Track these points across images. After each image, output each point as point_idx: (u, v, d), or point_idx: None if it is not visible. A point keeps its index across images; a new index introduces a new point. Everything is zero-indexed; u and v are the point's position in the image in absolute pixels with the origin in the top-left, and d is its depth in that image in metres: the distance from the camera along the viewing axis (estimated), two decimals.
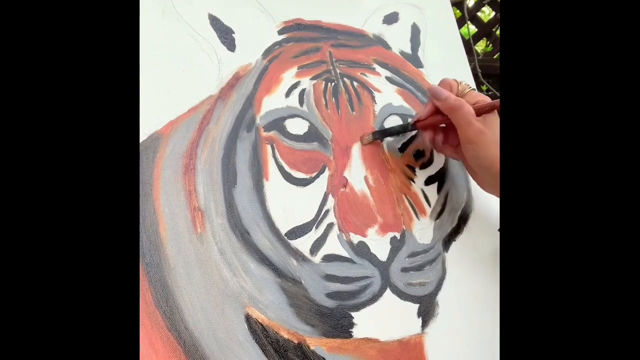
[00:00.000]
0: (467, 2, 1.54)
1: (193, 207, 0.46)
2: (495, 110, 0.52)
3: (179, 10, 0.53)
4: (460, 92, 0.54)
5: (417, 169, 0.58)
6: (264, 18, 0.58)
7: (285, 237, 0.49)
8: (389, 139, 0.58)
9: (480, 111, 0.52)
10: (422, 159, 0.59)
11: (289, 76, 0.56)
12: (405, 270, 0.52)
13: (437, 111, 0.54)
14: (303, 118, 0.54)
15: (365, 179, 0.54)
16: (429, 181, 0.59)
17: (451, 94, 0.52)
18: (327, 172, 0.53)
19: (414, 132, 0.59)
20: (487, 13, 1.94)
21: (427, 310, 0.52)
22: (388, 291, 0.51)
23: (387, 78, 0.62)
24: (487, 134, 0.51)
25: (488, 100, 0.53)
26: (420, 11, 0.70)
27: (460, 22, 1.48)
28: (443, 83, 0.55)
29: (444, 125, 0.57)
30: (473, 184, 0.63)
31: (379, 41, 0.64)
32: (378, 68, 0.62)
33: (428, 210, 0.57)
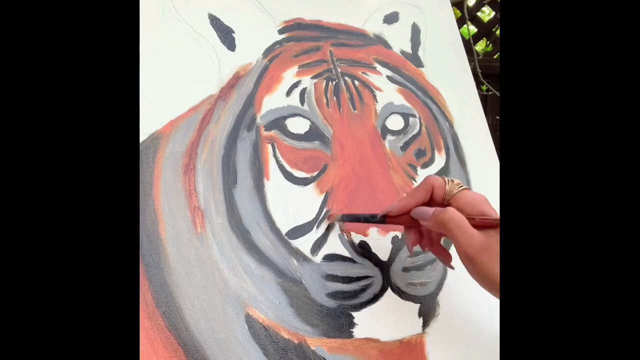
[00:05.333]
0: (467, 2, 1.54)
1: (193, 207, 0.46)
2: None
3: (179, 10, 0.53)
4: (448, 192, 0.45)
5: (418, 168, 0.58)
6: (264, 17, 0.58)
7: (286, 237, 0.49)
8: (390, 137, 0.58)
9: (478, 225, 0.41)
10: (423, 158, 0.59)
11: (289, 75, 0.56)
12: (406, 270, 0.52)
13: (410, 209, 0.45)
14: (304, 117, 0.54)
15: (367, 178, 0.54)
16: None
17: (436, 210, 0.43)
18: (328, 171, 0.53)
19: (417, 130, 0.59)
20: (487, 13, 1.94)
21: (427, 310, 0.52)
22: (389, 291, 0.50)
23: (388, 77, 0.62)
24: (491, 248, 0.40)
25: (483, 200, 0.43)
26: (420, 11, 0.70)
27: (460, 22, 1.48)
28: (427, 180, 0.46)
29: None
30: (474, 184, 0.63)
31: (380, 40, 0.64)
32: (379, 67, 0.62)
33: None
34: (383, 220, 0.47)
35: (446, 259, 0.47)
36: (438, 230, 0.44)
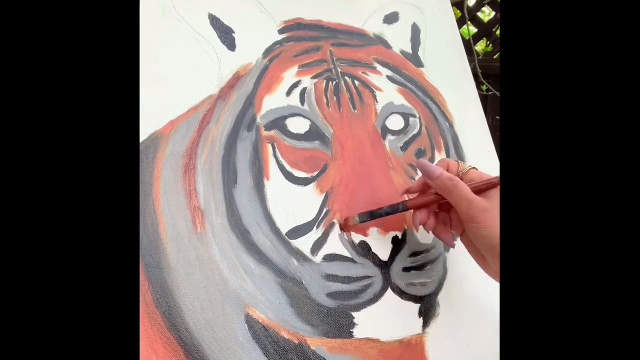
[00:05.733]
0: (467, 2, 1.54)
1: (193, 206, 0.46)
2: (496, 187, 0.47)
3: (179, 10, 0.53)
4: (460, 171, 0.49)
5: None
6: (264, 17, 0.58)
7: (286, 237, 0.49)
8: (390, 136, 0.58)
9: (478, 190, 0.47)
10: (423, 157, 0.59)
11: (289, 75, 0.56)
12: (406, 269, 0.52)
13: (429, 187, 0.50)
14: (304, 117, 0.54)
15: (367, 178, 0.54)
16: None
17: (444, 172, 0.48)
18: (328, 171, 0.53)
19: (417, 130, 0.59)
20: (487, 13, 1.94)
21: (428, 310, 0.52)
22: (389, 291, 0.50)
23: (388, 77, 0.62)
24: (491, 211, 0.45)
25: (489, 175, 0.48)
26: (420, 11, 0.70)
27: (460, 22, 1.48)
28: (441, 162, 0.51)
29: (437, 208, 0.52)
30: None
31: (380, 40, 0.64)
32: (379, 67, 0.62)
33: None
34: (406, 207, 0.50)
35: (448, 239, 0.51)
36: (442, 193, 0.48)
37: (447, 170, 0.49)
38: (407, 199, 0.52)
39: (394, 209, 0.50)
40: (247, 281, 0.46)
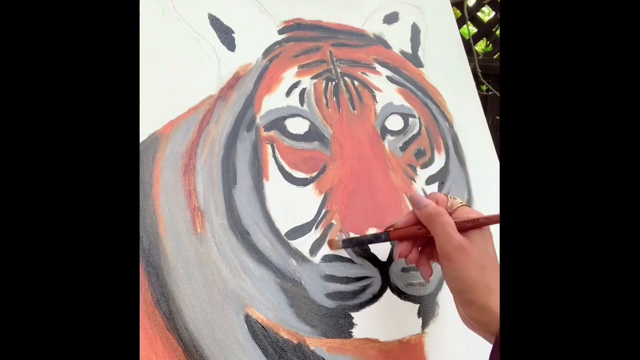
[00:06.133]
0: (467, 2, 1.54)
1: (193, 207, 0.46)
2: (483, 228, 0.45)
3: (179, 10, 0.53)
4: (449, 206, 0.47)
5: (418, 169, 0.58)
6: (264, 18, 0.58)
7: (285, 237, 0.49)
8: (389, 137, 0.58)
9: (462, 229, 0.45)
10: (422, 158, 0.59)
11: (289, 75, 0.56)
12: (405, 270, 0.52)
13: (416, 222, 0.48)
14: (303, 117, 0.54)
15: (366, 178, 0.54)
16: (429, 181, 0.58)
17: (432, 203, 0.46)
18: (327, 172, 0.53)
19: (416, 131, 0.59)
20: (487, 13, 1.94)
21: (427, 310, 0.52)
22: (388, 291, 0.50)
23: (388, 77, 0.62)
24: (468, 252, 0.43)
25: (477, 213, 0.47)
26: (420, 11, 0.70)
27: (460, 22, 1.48)
28: (431, 196, 0.49)
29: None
30: (474, 183, 0.63)
31: (379, 41, 0.64)
32: (378, 67, 0.62)
33: None
34: (388, 237, 0.48)
35: (426, 272, 0.49)
36: (424, 222, 0.46)
37: (437, 202, 0.47)
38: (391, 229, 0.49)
39: (376, 238, 0.49)
40: (247, 281, 0.46)
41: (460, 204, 0.47)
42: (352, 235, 0.51)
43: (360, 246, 0.50)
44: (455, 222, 0.45)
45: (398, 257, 0.48)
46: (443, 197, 0.48)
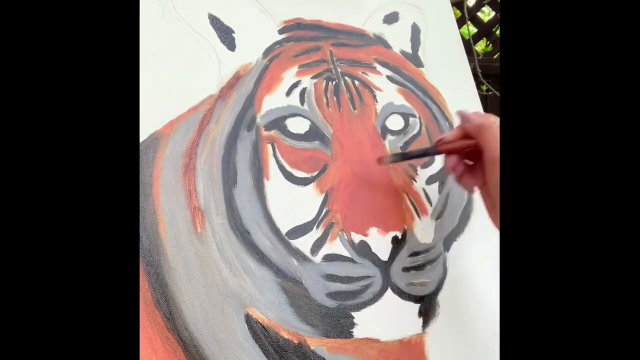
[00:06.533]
0: (467, 2, 1.53)
1: (193, 207, 0.46)
2: None
3: (179, 10, 0.53)
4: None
5: (418, 168, 0.58)
6: (264, 17, 0.58)
7: (286, 237, 0.49)
8: (390, 137, 0.58)
9: None
10: (422, 158, 0.59)
11: (289, 75, 0.56)
12: (406, 269, 0.52)
13: (463, 136, 0.50)
14: (304, 117, 0.54)
15: (367, 178, 0.54)
16: (430, 180, 0.58)
17: (479, 114, 0.49)
18: (328, 171, 0.53)
19: (417, 130, 0.59)
20: (487, 13, 1.94)
21: (427, 310, 0.52)
22: (389, 291, 0.50)
23: (388, 77, 0.62)
24: None
25: None
26: (420, 11, 0.70)
27: (460, 22, 1.48)
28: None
29: (468, 160, 0.52)
30: None
31: (380, 40, 0.64)
32: (379, 67, 0.62)
33: (429, 209, 0.57)
34: (437, 151, 0.52)
35: (470, 186, 0.52)
36: (475, 134, 0.48)
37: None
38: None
39: (425, 152, 0.53)
40: (247, 281, 0.46)
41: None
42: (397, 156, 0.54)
43: (408, 159, 0.54)
44: None
45: (447, 170, 0.52)
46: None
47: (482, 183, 0.50)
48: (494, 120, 0.47)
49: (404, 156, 0.53)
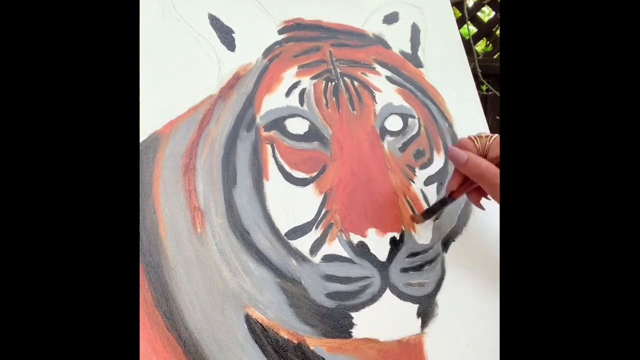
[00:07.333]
0: (467, 2, 1.54)
1: (193, 207, 0.46)
2: None
3: (179, 10, 0.53)
4: (482, 147, 0.50)
5: (417, 169, 0.58)
6: (264, 18, 0.58)
7: (285, 237, 0.49)
8: (389, 137, 0.58)
9: None
10: (422, 159, 0.59)
11: (289, 75, 0.56)
12: (404, 270, 0.52)
13: (465, 179, 0.51)
14: (303, 117, 0.54)
15: (365, 178, 0.54)
16: (428, 181, 0.59)
17: (471, 155, 0.49)
18: (327, 172, 0.53)
19: (415, 131, 0.60)
20: (487, 13, 1.94)
21: (426, 311, 0.52)
22: (387, 291, 0.51)
23: (387, 77, 0.62)
24: None
25: None
26: (420, 11, 0.70)
27: (460, 22, 1.48)
28: (460, 144, 0.51)
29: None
30: None
31: (379, 41, 0.64)
32: (378, 67, 0.62)
33: None
34: (452, 199, 0.53)
35: (476, 202, 0.54)
36: (472, 179, 0.49)
37: (470, 148, 0.50)
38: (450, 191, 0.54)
39: (443, 203, 0.54)
40: (247, 281, 0.46)
41: (489, 139, 0.50)
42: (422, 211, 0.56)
43: (434, 213, 0.55)
44: (498, 162, 0.48)
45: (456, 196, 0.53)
46: (471, 147, 0.50)
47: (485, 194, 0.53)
48: (484, 169, 0.48)
49: (432, 210, 0.55)
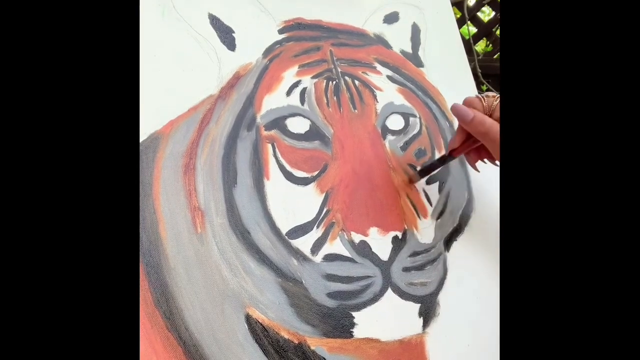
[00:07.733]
0: (467, 2, 1.54)
1: (193, 206, 0.46)
2: None
3: (179, 10, 0.53)
4: (488, 106, 0.50)
5: (418, 168, 0.58)
6: (264, 17, 0.58)
7: (286, 237, 0.49)
8: (390, 136, 0.58)
9: None
10: (423, 157, 0.59)
11: (289, 75, 0.56)
12: (406, 269, 0.52)
13: (469, 134, 0.51)
14: (304, 117, 0.54)
15: (367, 177, 0.54)
16: (430, 181, 0.58)
17: (477, 113, 0.49)
18: (328, 171, 0.53)
19: (417, 130, 0.60)
20: (487, 13, 1.94)
21: (428, 310, 0.52)
22: (389, 291, 0.50)
23: (388, 77, 0.62)
24: None
25: None
26: (421, 11, 0.70)
27: (460, 22, 1.48)
28: (466, 102, 0.51)
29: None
30: (474, 183, 0.63)
31: (380, 40, 0.64)
32: (379, 67, 0.62)
33: (429, 209, 0.57)
34: (452, 157, 0.54)
35: (474, 163, 0.55)
36: (476, 137, 0.50)
37: (475, 107, 0.50)
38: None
39: (442, 160, 0.54)
40: (247, 281, 0.46)
41: (494, 98, 0.50)
42: (419, 168, 0.57)
43: (432, 171, 0.56)
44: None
45: (474, 163, 0.55)
46: (478, 106, 0.50)
47: (484, 156, 0.54)
48: (489, 126, 0.48)
49: (430, 169, 0.55)
